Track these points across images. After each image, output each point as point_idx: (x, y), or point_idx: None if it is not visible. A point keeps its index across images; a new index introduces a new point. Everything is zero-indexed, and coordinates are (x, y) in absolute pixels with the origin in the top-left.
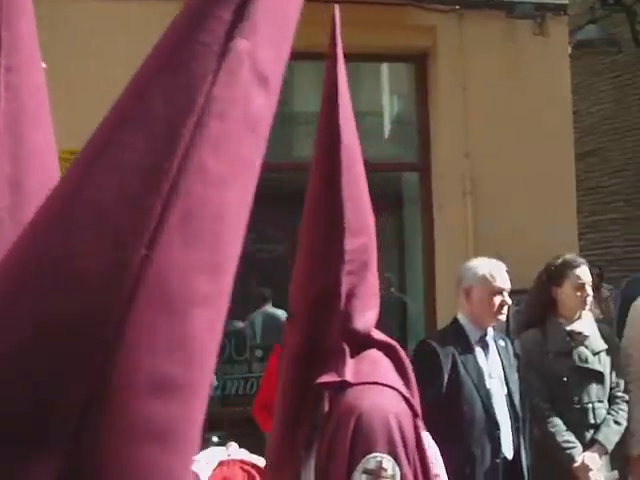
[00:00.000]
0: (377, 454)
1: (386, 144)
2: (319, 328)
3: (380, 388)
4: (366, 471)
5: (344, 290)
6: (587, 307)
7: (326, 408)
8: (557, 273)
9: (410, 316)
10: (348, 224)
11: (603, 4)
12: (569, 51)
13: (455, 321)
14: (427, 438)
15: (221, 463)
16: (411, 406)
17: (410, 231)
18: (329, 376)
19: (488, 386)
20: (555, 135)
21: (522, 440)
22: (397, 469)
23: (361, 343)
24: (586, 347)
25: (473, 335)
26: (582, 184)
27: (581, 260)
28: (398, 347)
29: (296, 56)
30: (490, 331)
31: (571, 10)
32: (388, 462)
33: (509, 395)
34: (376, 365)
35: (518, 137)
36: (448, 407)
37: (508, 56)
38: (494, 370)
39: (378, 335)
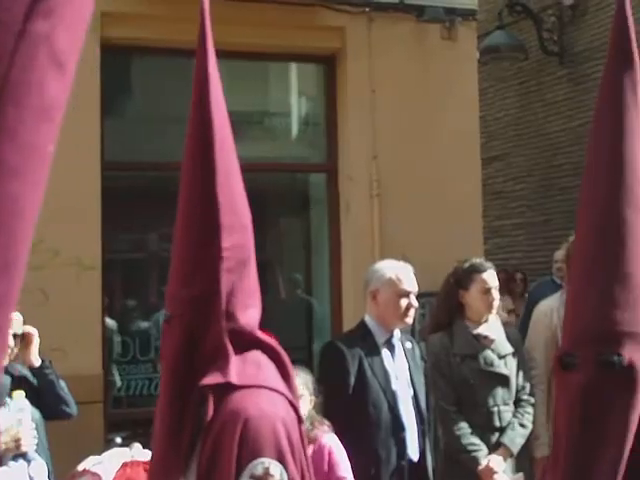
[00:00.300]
0: (264, 460)
1: (294, 145)
2: (200, 329)
3: (267, 392)
4: (253, 477)
5: (224, 289)
6: (494, 311)
7: (210, 411)
8: (464, 277)
9: (316, 318)
10: (224, 221)
11: (511, 11)
12: (477, 56)
13: (362, 323)
14: (334, 440)
15: (124, 464)
16: (296, 411)
17: (317, 233)
18: (213, 377)
19: (394, 388)
20: (462, 139)
21: (428, 442)
22: (285, 475)
23: (244, 343)
24: (492, 351)
25: (380, 337)
26: (488, 189)
27: (488, 264)
28: (280, 348)
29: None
30: (397, 333)
31: (480, 16)
32: (275, 468)
33: (415, 397)
34: (260, 367)
35: (426, 140)
36: (354, 409)
37: (417, 59)
38: (400, 372)
39: (261, 335)
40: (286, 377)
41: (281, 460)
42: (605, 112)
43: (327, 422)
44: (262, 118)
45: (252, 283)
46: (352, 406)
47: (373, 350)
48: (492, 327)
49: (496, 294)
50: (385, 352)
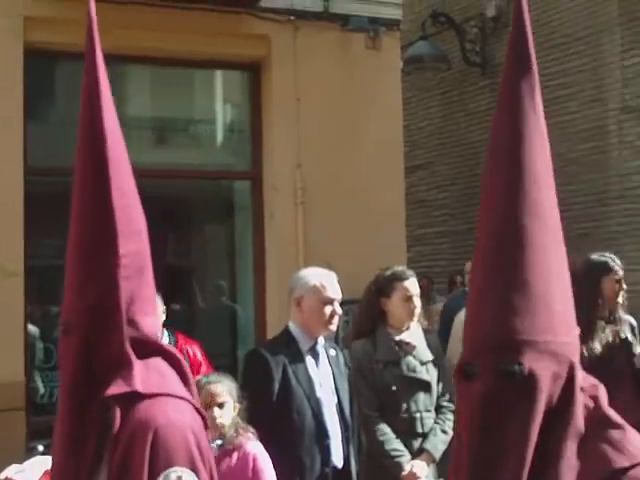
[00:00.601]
0: (177, 468)
1: (218, 152)
2: (98, 337)
3: (173, 400)
4: None
5: (123, 296)
6: (415, 318)
7: (116, 420)
8: (386, 285)
9: (240, 324)
10: (120, 228)
11: (434, 21)
12: (400, 66)
13: (286, 330)
14: (258, 447)
15: (47, 472)
16: (202, 417)
17: (241, 240)
18: (118, 387)
19: (319, 395)
20: (386, 148)
21: (352, 449)
22: None
23: (146, 351)
24: (414, 357)
25: (304, 344)
26: (411, 197)
27: (410, 272)
28: (180, 355)
29: (127, 59)
30: (321, 340)
31: (403, 26)
32: (188, 476)
33: (339, 404)
34: (164, 375)
35: (350, 149)
36: (278, 416)
37: (342, 68)
38: (325, 379)
39: (162, 342)
40: (187, 384)
41: (193, 468)
42: (504, 117)
43: (252, 429)
44: (187, 125)
45: (150, 290)
46: (276, 413)
47: (297, 357)
48: (414, 334)
49: (417, 301)
50: (309, 359)
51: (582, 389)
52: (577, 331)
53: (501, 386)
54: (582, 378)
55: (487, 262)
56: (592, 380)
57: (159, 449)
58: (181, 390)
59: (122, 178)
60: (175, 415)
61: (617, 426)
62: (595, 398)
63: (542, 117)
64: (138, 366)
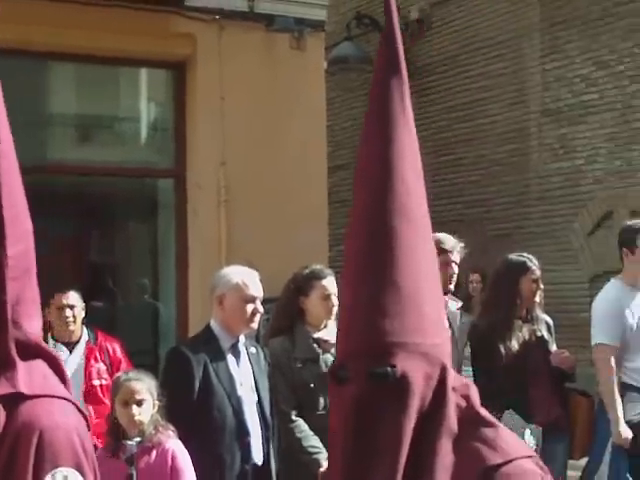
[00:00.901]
0: (63, 469)
1: (142, 150)
2: None
3: (58, 401)
4: None
5: (10, 297)
6: (333, 317)
7: (1, 423)
8: (304, 283)
9: (162, 322)
10: (8, 229)
11: (359, 23)
12: (325, 66)
13: (207, 328)
14: (177, 445)
15: None
16: (85, 418)
17: (164, 238)
18: (1, 388)
19: (239, 393)
20: (309, 148)
21: (272, 446)
22: None
23: (29, 353)
24: (332, 355)
25: (225, 342)
26: (334, 197)
27: (328, 271)
28: (59, 357)
29: (52, 56)
30: (242, 338)
31: (328, 27)
32: (74, 476)
33: (260, 402)
34: (46, 377)
35: (274, 148)
36: (199, 414)
37: (266, 68)
38: (245, 378)
39: (44, 345)
40: (67, 387)
41: (79, 469)
42: (374, 120)
43: (171, 427)
44: (111, 123)
45: (34, 293)
46: (197, 411)
47: (218, 355)
48: (332, 332)
49: (335, 300)
50: (230, 357)
51: (454, 389)
52: (448, 333)
53: (373, 389)
54: (453, 378)
55: (356, 265)
56: (463, 379)
57: (44, 450)
58: (64, 392)
59: (10, 176)
60: (60, 416)
61: (490, 424)
62: (467, 397)
63: (412, 119)
64: (22, 368)
